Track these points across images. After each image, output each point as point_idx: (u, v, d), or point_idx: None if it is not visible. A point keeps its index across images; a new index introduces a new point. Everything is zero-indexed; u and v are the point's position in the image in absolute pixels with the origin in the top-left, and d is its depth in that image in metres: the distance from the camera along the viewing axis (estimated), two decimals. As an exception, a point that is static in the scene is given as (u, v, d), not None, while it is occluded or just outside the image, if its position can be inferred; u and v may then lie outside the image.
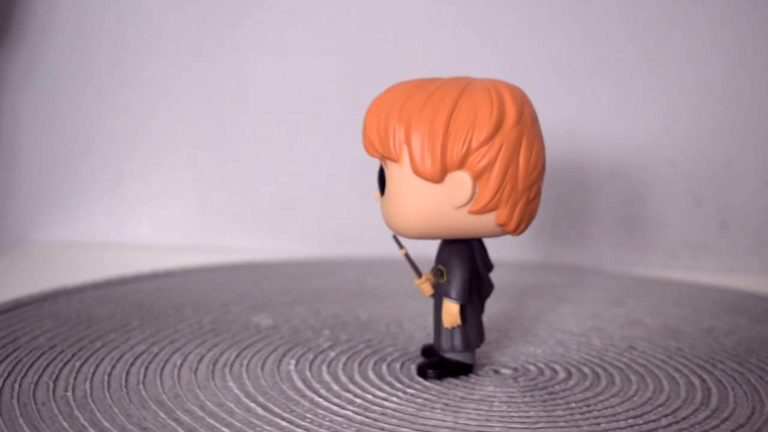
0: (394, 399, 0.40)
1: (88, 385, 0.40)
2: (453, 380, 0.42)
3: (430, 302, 0.44)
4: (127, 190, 0.77)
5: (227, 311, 0.54)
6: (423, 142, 0.38)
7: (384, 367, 0.44)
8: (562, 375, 0.44)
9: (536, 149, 0.39)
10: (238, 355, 0.45)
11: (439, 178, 0.38)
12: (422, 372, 0.43)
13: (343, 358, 0.45)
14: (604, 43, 0.74)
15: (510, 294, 0.61)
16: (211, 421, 0.36)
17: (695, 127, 0.74)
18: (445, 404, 0.39)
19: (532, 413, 0.38)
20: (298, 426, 0.36)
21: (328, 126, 0.75)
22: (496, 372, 0.44)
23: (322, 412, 0.38)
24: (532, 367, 0.45)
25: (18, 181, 0.77)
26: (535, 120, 0.40)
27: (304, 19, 0.75)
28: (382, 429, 0.36)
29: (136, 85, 0.75)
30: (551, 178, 0.74)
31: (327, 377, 0.42)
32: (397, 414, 0.38)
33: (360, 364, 0.45)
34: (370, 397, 0.40)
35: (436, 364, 0.43)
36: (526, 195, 0.40)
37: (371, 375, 0.43)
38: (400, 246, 0.43)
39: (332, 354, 0.46)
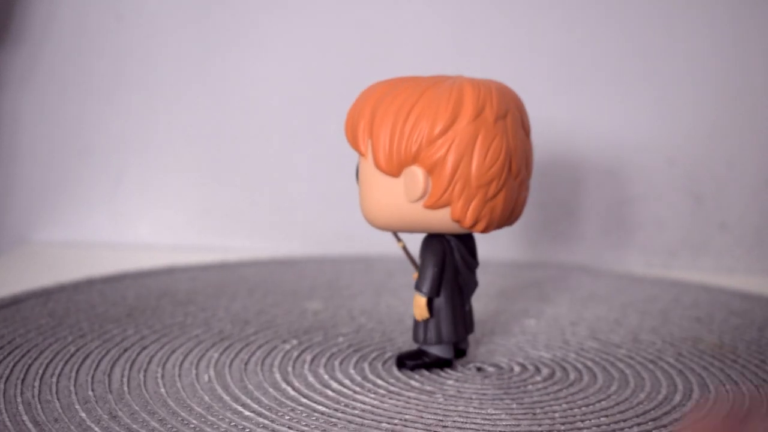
0: (346, 382, 0.41)
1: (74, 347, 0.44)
2: (425, 372, 0.43)
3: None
4: (127, 190, 0.77)
5: (278, 300, 0.57)
6: (383, 137, 0.40)
7: (373, 355, 0.45)
8: (543, 375, 0.43)
9: (495, 147, 0.40)
10: (241, 331, 0.48)
11: (396, 172, 0.40)
12: (400, 362, 0.44)
13: (345, 345, 0.47)
14: (603, 43, 0.74)
15: (531, 294, 0.61)
16: (158, 370, 0.41)
17: (695, 127, 0.74)
18: (388, 391, 0.40)
19: (461, 408, 0.38)
20: (225, 388, 0.40)
21: (327, 126, 0.75)
22: (479, 369, 0.44)
23: (261, 379, 0.40)
24: (517, 367, 0.44)
25: (18, 181, 0.77)
26: (501, 118, 0.40)
27: (303, 20, 0.75)
28: (299, 404, 0.38)
29: (136, 85, 0.75)
30: (551, 178, 0.75)
31: (308, 356, 0.45)
32: (328, 392, 0.40)
33: (355, 350, 0.46)
34: (325, 377, 0.42)
35: (415, 355, 0.44)
36: (482, 192, 0.40)
37: (351, 360, 0.44)
38: (398, 239, 0.44)
39: (341, 339, 0.48)
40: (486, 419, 0.37)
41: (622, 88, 0.74)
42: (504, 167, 0.40)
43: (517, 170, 0.41)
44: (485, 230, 0.41)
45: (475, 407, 0.39)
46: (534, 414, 0.38)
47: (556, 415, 0.38)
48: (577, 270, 0.71)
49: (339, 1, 0.75)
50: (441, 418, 0.37)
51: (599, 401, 0.40)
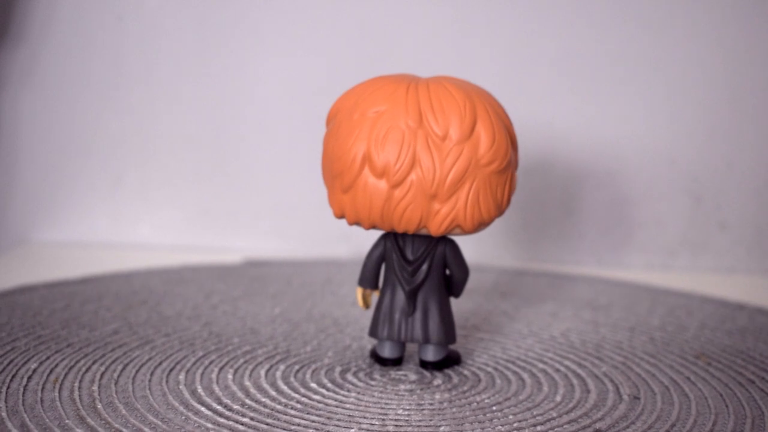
0: (259, 376, 0.43)
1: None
2: (374, 375, 0.43)
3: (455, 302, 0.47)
4: (127, 190, 0.77)
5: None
6: None
7: (301, 361, 0.46)
8: (469, 384, 0.43)
9: (345, 139, 0.40)
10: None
11: None
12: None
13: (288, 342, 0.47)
14: (604, 44, 0.74)
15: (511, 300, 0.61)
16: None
17: (695, 127, 0.74)
18: (296, 389, 0.41)
19: (339, 412, 0.38)
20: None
21: (328, 126, 0.75)
22: (403, 378, 0.43)
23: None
24: (454, 376, 0.44)
25: (18, 181, 0.77)
26: (367, 114, 0.40)
27: (303, 20, 0.75)
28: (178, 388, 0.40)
29: (135, 85, 0.75)
30: (552, 178, 0.75)
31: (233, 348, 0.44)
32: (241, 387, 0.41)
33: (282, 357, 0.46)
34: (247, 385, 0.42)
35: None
36: (336, 183, 0.41)
37: (300, 356, 0.46)
38: None
39: (282, 340, 0.48)
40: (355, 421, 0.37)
41: (623, 88, 0.74)
42: (354, 162, 0.40)
43: (382, 170, 0.39)
44: (359, 225, 0.41)
45: (357, 412, 0.38)
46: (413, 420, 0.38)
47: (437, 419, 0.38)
48: (567, 276, 0.71)
49: (339, 2, 0.75)
50: (283, 419, 0.38)
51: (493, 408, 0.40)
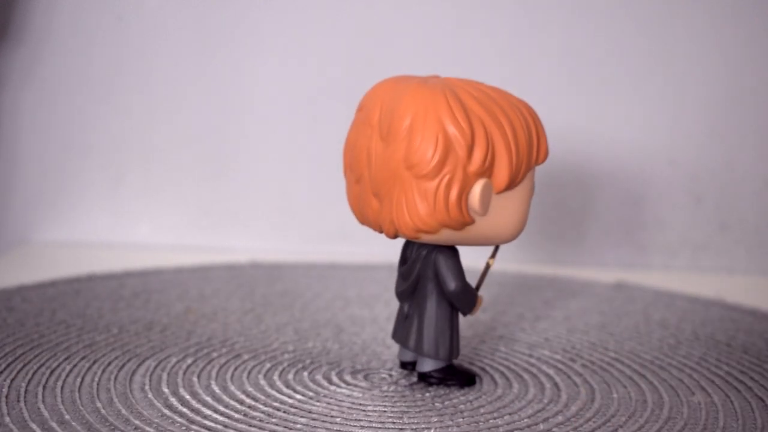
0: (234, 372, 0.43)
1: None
2: (356, 377, 0.43)
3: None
4: (127, 190, 0.77)
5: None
6: None
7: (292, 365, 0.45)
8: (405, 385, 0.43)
9: (348, 133, 0.41)
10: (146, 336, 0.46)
11: None
12: None
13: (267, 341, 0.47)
14: (605, 44, 0.74)
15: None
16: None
17: (695, 127, 0.74)
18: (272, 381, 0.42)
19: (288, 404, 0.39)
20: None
21: (327, 125, 0.75)
22: (366, 376, 0.43)
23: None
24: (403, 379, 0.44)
25: (18, 181, 0.77)
26: (358, 111, 0.41)
27: (303, 20, 0.75)
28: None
29: (136, 85, 0.75)
30: (552, 179, 0.75)
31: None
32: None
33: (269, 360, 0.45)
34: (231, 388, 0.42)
35: None
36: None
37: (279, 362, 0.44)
38: (492, 255, 0.43)
39: (276, 339, 0.47)
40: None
41: (623, 88, 0.74)
42: (344, 156, 0.41)
43: (348, 165, 0.41)
44: (363, 224, 0.41)
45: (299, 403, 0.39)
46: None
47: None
48: (566, 276, 0.71)
49: (339, 2, 0.75)
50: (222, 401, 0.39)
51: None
